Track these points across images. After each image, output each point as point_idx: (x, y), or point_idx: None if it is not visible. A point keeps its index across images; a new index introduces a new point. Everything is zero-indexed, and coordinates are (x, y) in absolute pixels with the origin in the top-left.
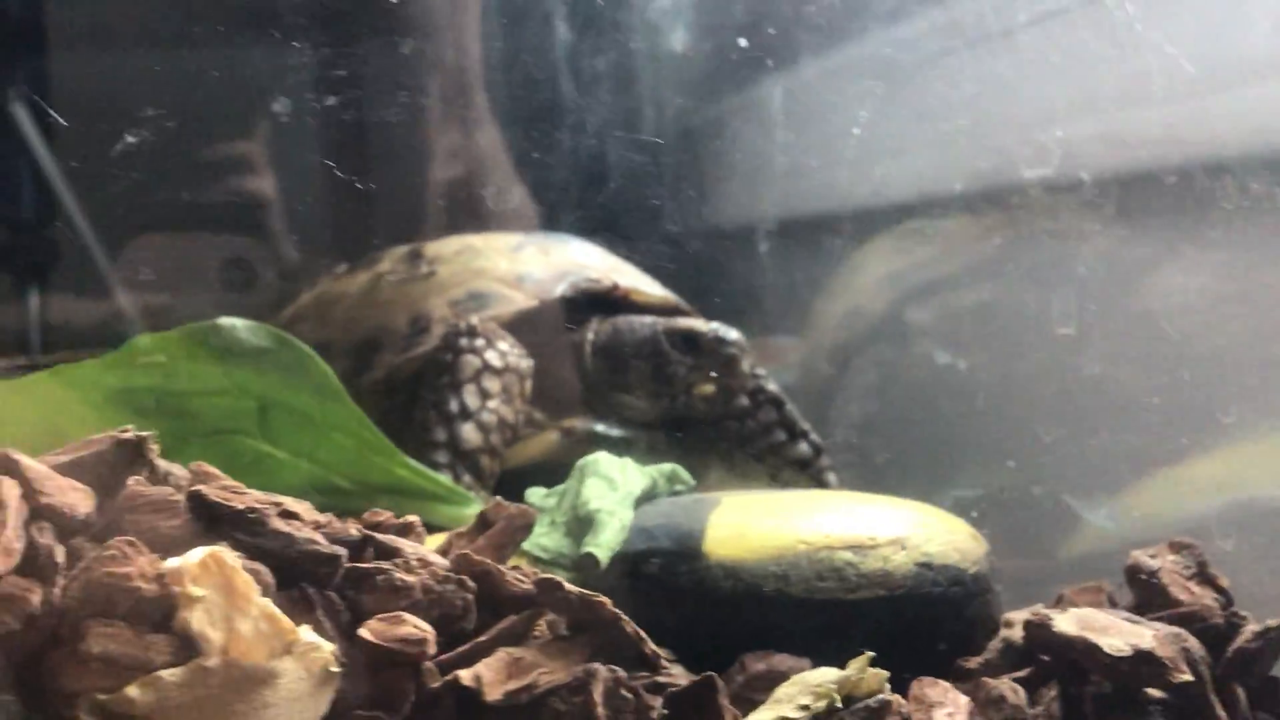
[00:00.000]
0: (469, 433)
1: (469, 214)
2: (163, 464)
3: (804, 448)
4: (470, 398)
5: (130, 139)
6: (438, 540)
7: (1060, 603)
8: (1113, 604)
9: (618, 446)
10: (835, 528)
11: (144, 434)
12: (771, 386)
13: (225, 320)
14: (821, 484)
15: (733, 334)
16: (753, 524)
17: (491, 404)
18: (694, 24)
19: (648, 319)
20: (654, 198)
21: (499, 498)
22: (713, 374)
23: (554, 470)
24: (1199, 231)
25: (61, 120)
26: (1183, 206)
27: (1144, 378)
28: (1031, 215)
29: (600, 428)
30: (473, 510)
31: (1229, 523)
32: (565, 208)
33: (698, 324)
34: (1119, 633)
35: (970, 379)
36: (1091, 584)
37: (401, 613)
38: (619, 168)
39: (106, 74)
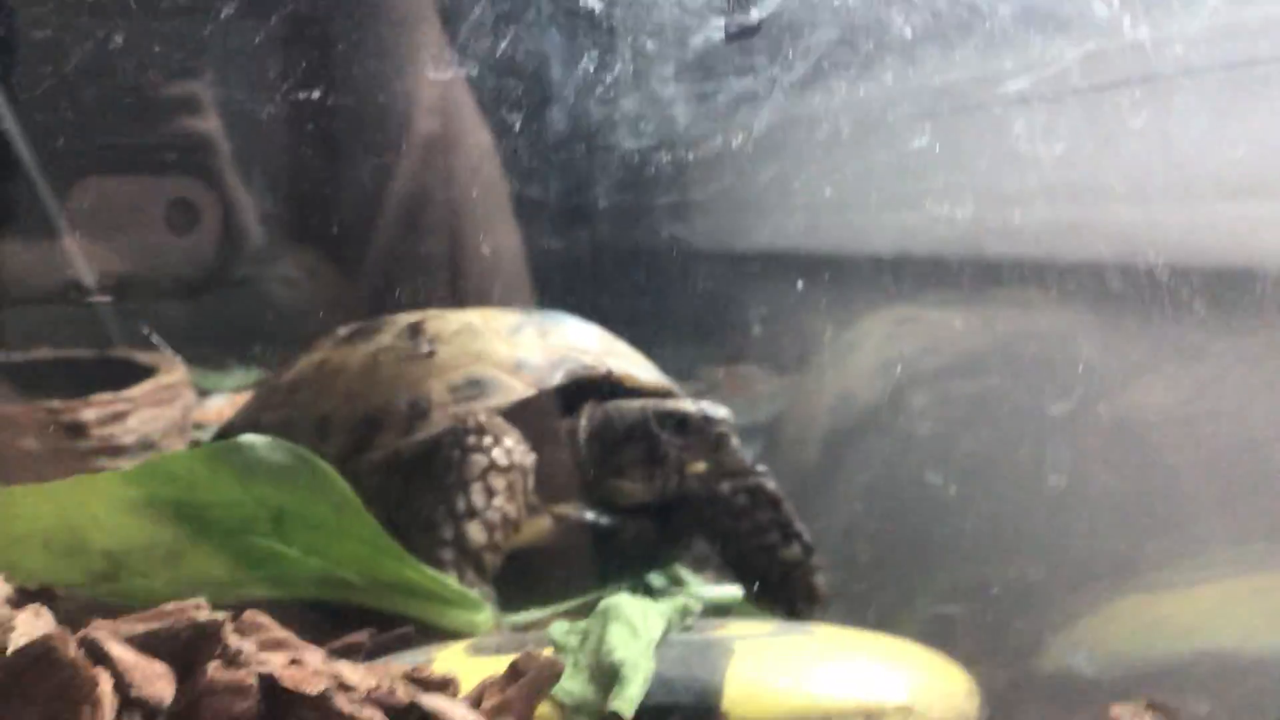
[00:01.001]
0: (475, 531)
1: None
2: (233, 641)
3: (796, 549)
4: (477, 497)
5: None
6: (466, 674)
7: None
8: None
9: (607, 534)
10: (847, 692)
11: (217, 617)
12: (770, 485)
13: (246, 438)
14: (808, 586)
15: (720, 412)
16: (768, 682)
17: (497, 502)
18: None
19: (636, 403)
20: (630, 218)
21: (530, 648)
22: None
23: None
24: (1182, 339)
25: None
26: (1165, 312)
27: (1124, 505)
28: (1016, 308)
29: (590, 515)
30: (483, 617)
31: (1198, 674)
32: (546, 220)
33: (686, 405)
34: None
35: (958, 500)
36: None
37: None
38: (601, 180)
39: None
